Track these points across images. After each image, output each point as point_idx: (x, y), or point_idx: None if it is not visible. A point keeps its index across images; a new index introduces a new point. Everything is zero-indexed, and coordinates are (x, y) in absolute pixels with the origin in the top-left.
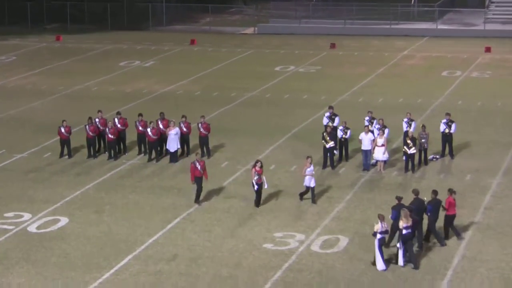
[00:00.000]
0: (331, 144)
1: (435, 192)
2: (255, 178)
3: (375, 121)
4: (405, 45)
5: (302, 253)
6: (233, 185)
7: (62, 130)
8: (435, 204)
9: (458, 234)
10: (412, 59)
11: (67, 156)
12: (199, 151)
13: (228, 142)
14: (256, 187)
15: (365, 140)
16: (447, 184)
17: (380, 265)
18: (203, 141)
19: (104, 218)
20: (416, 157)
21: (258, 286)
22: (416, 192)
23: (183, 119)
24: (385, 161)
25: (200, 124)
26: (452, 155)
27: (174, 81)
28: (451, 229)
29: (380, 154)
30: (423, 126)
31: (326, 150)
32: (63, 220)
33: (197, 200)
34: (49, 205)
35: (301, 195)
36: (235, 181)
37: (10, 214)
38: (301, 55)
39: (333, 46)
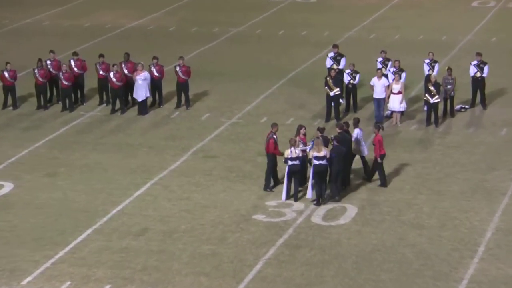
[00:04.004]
0: (336, 91)
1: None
2: (300, 147)
3: (389, 63)
4: None
5: (300, 225)
6: (215, 142)
7: (6, 74)
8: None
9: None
10: None
11: (11, 107)
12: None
13: (210, 89)
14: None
15: (378, 86)
16: (478, 140)
17: (283, 195)
18: (181, 87)
19: (58, 182)
20: (440, 107)
21: (247, 266)
22: (340, 126)
23: (154, 61)
24: (402, 112)
25: (178, 67)
26: (484, 104)
27: (144, 13)
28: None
29: (396, 103)
30: (449, 69)
31: (330, 99)
32: (7, 186)
33: (275, 180)
34: None
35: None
36: (218, 137)
37: None
38: None
39: None
